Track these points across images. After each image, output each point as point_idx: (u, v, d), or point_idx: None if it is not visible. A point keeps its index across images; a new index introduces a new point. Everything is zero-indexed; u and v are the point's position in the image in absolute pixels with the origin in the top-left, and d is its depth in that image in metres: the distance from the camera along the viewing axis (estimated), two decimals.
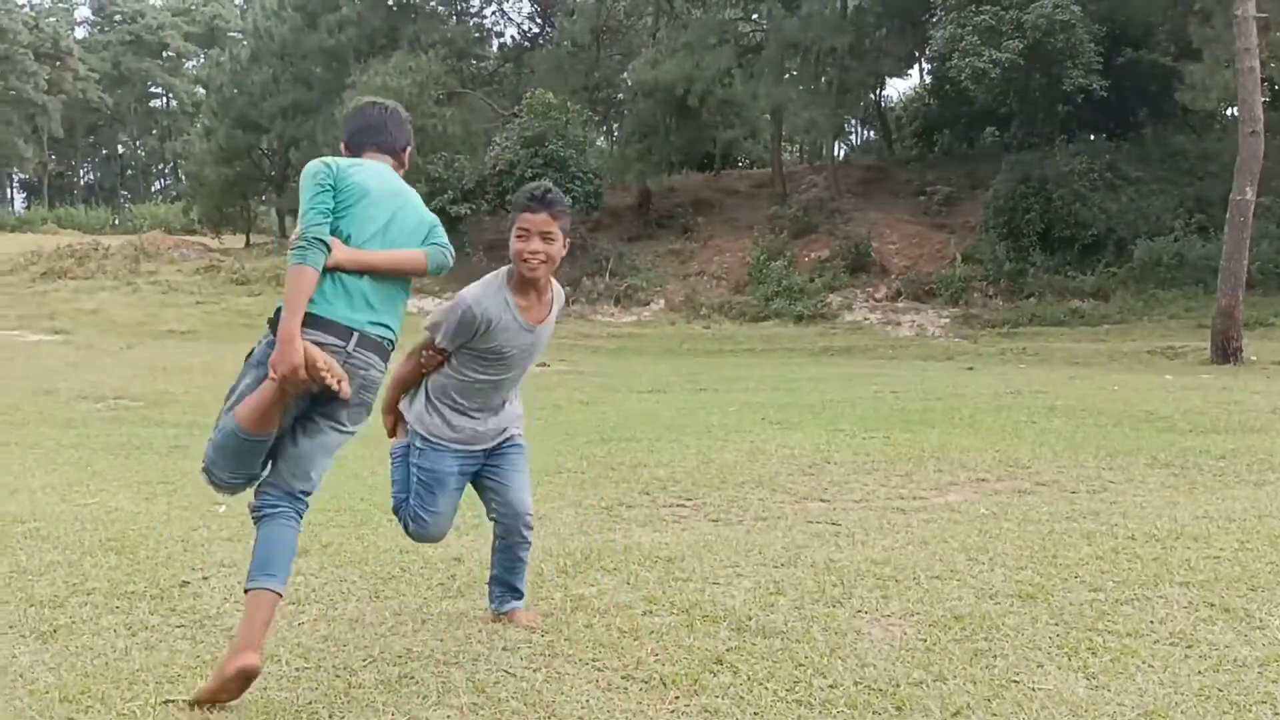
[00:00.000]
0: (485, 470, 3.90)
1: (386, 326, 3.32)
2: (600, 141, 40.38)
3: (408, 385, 3.87)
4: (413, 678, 3.32)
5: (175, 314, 26.29)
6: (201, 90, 65.52)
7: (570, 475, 7.21)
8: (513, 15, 44.49)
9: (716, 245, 31.26)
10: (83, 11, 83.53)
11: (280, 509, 3.31)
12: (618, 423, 10.45)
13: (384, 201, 3.35)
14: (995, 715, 3.07)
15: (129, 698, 3.14)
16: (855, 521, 5.62)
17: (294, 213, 40.35)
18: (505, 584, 3.98)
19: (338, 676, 3.33)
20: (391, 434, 3.95)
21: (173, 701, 3.11)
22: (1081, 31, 24.83)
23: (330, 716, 3.03)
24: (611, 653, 3.54)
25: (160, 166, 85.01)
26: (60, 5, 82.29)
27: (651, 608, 4.04)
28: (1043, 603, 4.09)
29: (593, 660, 3.48)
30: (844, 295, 27.34)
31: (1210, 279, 20.99)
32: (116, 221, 61.28)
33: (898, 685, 3.25)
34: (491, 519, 3.97)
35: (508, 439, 3.91)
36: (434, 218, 3.50)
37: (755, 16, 34.98)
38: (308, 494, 3.39)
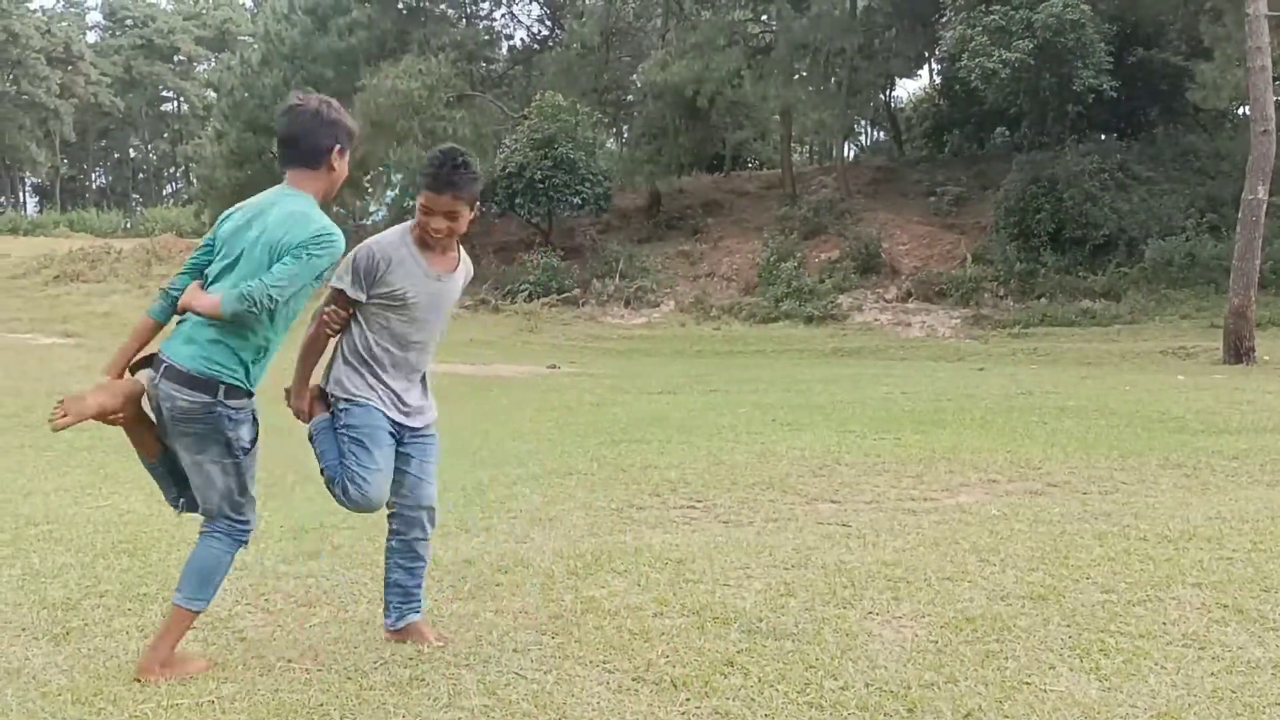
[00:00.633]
0: (399, 456, 3.70)
1: (208, 360, 3.28)
2: (610, 143, 40.39)
3: (314, 352, 3.69)
4: (424, 680, 3.32)
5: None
6: (212, 94, 65.78)
7: (580, 477, 7.21)
8: (522, 18, 44.43)
9: (726, 246, 31.23)
10: (94, 16, 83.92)
11: (205, 528, 3.49)
12: (628, 424, 10.45)
13: (231, 240, 3.39)
14: (1007, 717, 3.06)
15: (141, 700, 3.15)
16: (866, 523, 5.61)
17: None
18: (404, 590, 3.75)
19: (349, 679, 3.33)
20: (308, 416, 3.72)
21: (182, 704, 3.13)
22: (1092, 31, 24.73)
23: (342, 718, 3.04)
24: (622, 655, 3.54)
25: (171, 170, 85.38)
26: (72, 10, 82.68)
27: (662, 610, 4.04)
28: (1054, 604, 4.08)
29: (603, 662, 3.48)
30: (854, 296, 27.28)
31: (1222, 279, 20.89)
32: (128, 225, 61.47)
33: (909, 687, 3.25)
34: (392, 513, 3.76)
35: (426, 428, 3.79)
36: (301, 239, 3.25)
37: (764, 17, 34.96)
38: (226, 518, 3.42)
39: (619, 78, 38.19)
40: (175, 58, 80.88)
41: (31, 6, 73.19)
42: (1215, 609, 3.98)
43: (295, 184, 3.42)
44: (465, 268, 3.78)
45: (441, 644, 3.64)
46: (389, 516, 3.77)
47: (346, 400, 3.62)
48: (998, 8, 24.79)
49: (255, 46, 43.91)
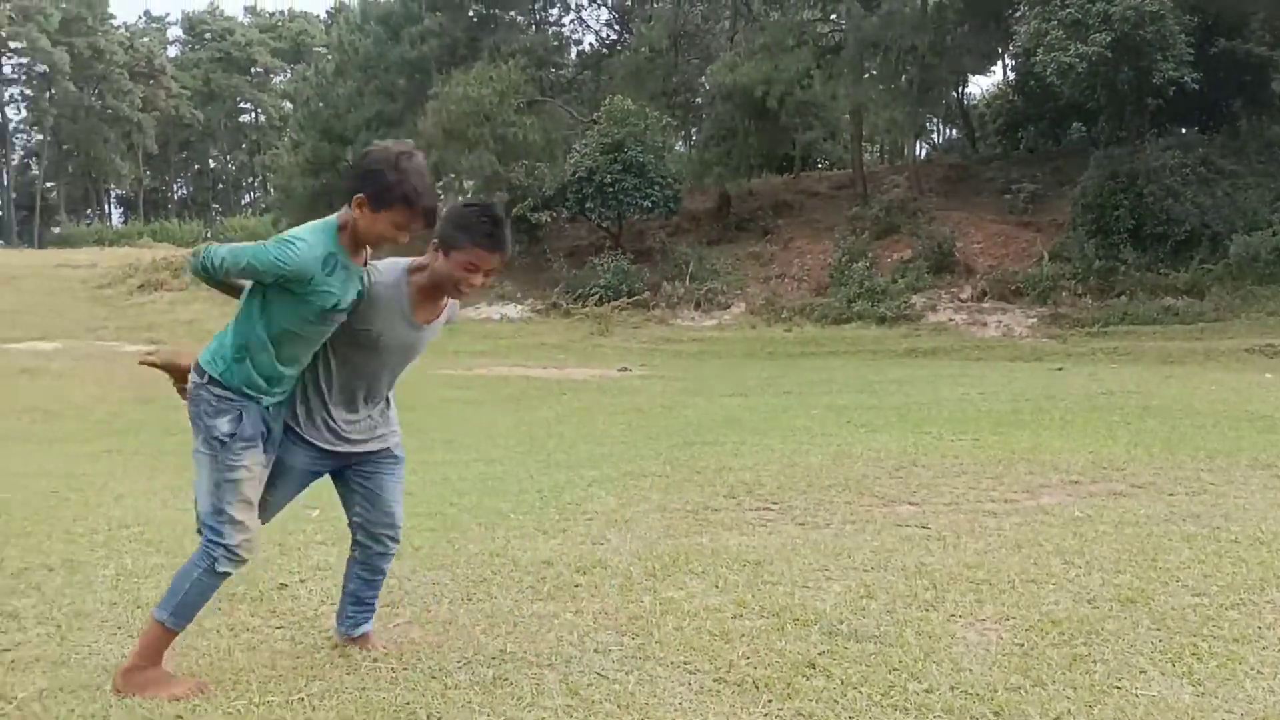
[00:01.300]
0: (355, 476, 3.63)
1: (208, 348, 3.37)
2: (679, 146, 40.40)
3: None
4: (507, 680, 3.35)
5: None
6: (288, 104, 67.22)
7: (654, 479, 7.22)
8: (591, 23, 44.77)
9: (797, 247, 31.07)
10: (174, 31, 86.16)
11: None
12: (701, 426, 10.44)
13: None
14: None
15: (234, 696, 3.23)
16: (946, 525, 5.54)
17: None
18: (360, 601, 3.72)
19: (433, 678, 3.38)
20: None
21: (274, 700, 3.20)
22: (1172, 22, 24.14)
23: (428, 717, 3.08)
24: (703, 656, 3.54)
25: (249, 180, 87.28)
26: (154, 25, 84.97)
27: (741, 611, 4.03)
28: (1143, 607, 3.99)
29: (684, 663, 3.49)
30: (928, 296, 26.96)
31: None
32: (209, 234, 62.96)
33: (995, 691, 3.20)
34: (354, 525, 3.70)
35: (386, 450, 3.67)
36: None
37: (834, 17, 34.70)
38: (207, 527, 3.38)
39: (688, 80, 38.20)
40: (252, 70, 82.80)
41: (115, 23, 75.34)
42: None
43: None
44: (449, 312, 3.67)
45: (385, 652, 3.60)
46: (353, 530, 3.72)
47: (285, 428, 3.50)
48: (1074, 1, 24.33)
49: (329, 57, 44.77)
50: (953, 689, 3.23)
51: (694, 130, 41.39)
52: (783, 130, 35.70)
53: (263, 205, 72.68)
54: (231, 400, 3.26)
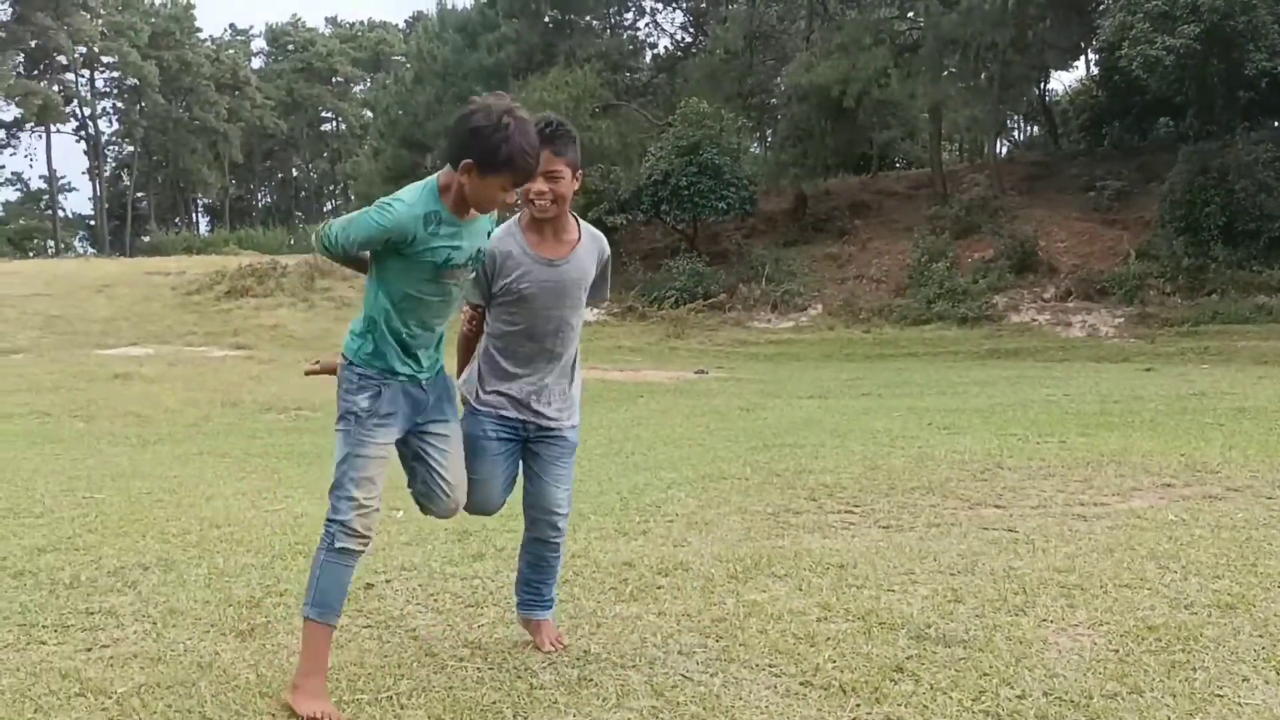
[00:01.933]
0: (527, 456, 3.68)
1: (350, 329, 3.41)
2: (754, 147, 40.30)
3: (466, 350, 3.75)
4: (592, 680, 3.36)
5: (348, 328, 27.35)
6: (368, 113, 68.39)
7: (734, 481, 7.18)
8: (665, 26, 44.86)
9: (875, 248, 30.77)
10: (258, 43, 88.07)
11: None
12: (779, 429, 10.37)
13: None
14: None
15: None
16: (1034, 528, 5.43)
17: None
18: (530, 585, 3.76)
19: (519, 677, 3.39)
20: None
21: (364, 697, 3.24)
22: (1264, 12, 23.43)
23: (514, 717, 3.09)
24: (788, 659, 3.51)
25: (331, 188, 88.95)
26: (238, 38, 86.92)
27: (826, 614, 3.99)
28: (1244, 613, 3.87)
29: (769, 666, 3.46)
30: (1010, 296, 26.52)
31: None
32: (292, 241, 64.10)
33: (1090, 697, 3.12)
34: (524, 505, 3.76)
35: (556, 430, 3.66)
36: None
37: (911, 14, 34.35)
38: (331, 501, 3.33)
39: (763, 81, 38.06)
40: (333, 79, 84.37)
41: (202, 36, 77.31)
42: None
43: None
44: (590, 246, 3.60)
45: (554, 650, 3.64)
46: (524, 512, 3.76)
47: (465, 404, 3.64)
48: None
49: (408, 66, 45.41)
50: (1046, 695, 3.15)
51: (769, 131, 41.24)
52: (860, 130, 35.42)
53: (344, 212, 73.93)
54: (371, 379, 3.27)
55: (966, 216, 29.85)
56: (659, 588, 4.43)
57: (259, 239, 62.52)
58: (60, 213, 74.49)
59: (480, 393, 3.60)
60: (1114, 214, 28.95)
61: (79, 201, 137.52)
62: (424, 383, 3.35)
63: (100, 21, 69.42)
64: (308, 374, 3.79)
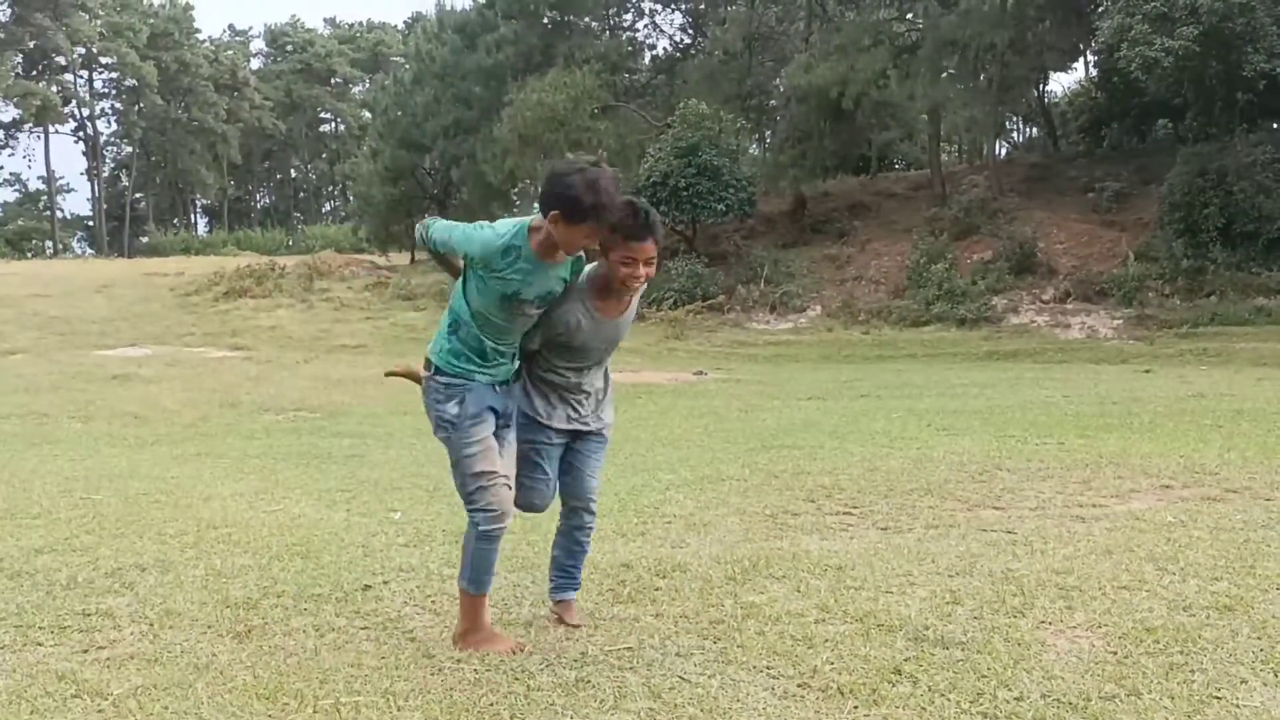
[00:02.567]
0: (566, 453, 4.04)
1: (432, 341, 3.80)
2: (753, 149, 40.27)
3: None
4: (589, 682, 3.35)
5: (347, 329, 27.36)
6: (367, 114, 68.32)
7: (733, 483, 7.18)
8: (664, 27, 44.77)
9: (874, 249, 30.75)
10: (257, 44, 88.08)
11: None
12: (778, 430, 10.37)
13: None
14: None
15: (322, 695, 3.27)
16: (1032, 530, 5.43)
17: None
18: (562, 568, 4.12)
19: (516, 679, 3.39)
20: None
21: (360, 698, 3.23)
22: (1262, 14, 23.42)
23: (512, 718, 3.09)
24: (786, 661, 3.50)
25: (330, 188, 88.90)
26: (237, 39, 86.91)
27: (824, 616, 3.98)
28: (1242, 615, 3.87)
29: (767, 668, 3.45)
30: (1009, 297, 26.50)
31: None
32: (291, 242, 64.26)
33: (1089, 699, 3.12)
34: (561, 496, 4.11)
35: (596, 431, 4.07)
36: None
37: (910, 15, 34.31)
38: (463, 500, 3.77)
39: (762, 82, 38.04)
40: (332, 80, 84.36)
41: (201, 37, 77.30)
42: None
43: None
44: (635, 297, 3.95)
45: (576, 626, 3.94)
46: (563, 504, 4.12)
47: (524, 414, 3.95)
48: None
49: (407, 66, 45.33)
50: (1044, 697, 3.15)
51: (768, 133, 41.21)
52: (859, 131, 35.40)
53: (343, 213, 74.02)
54: (455, 385, 3.65)
55: (965, 218, 29.83)
56: (657, 589, 4.43)
57: (257, 240, 62.59)
58: (59, 213, 74.51)
59: (533, 409, 3.94)
60: (1113, 215, 28.94)
61: (77, 202, 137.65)
62: (498, 387, 3.74)
63: (99, 22, 69.42)
64: (389, 375, 4.20)
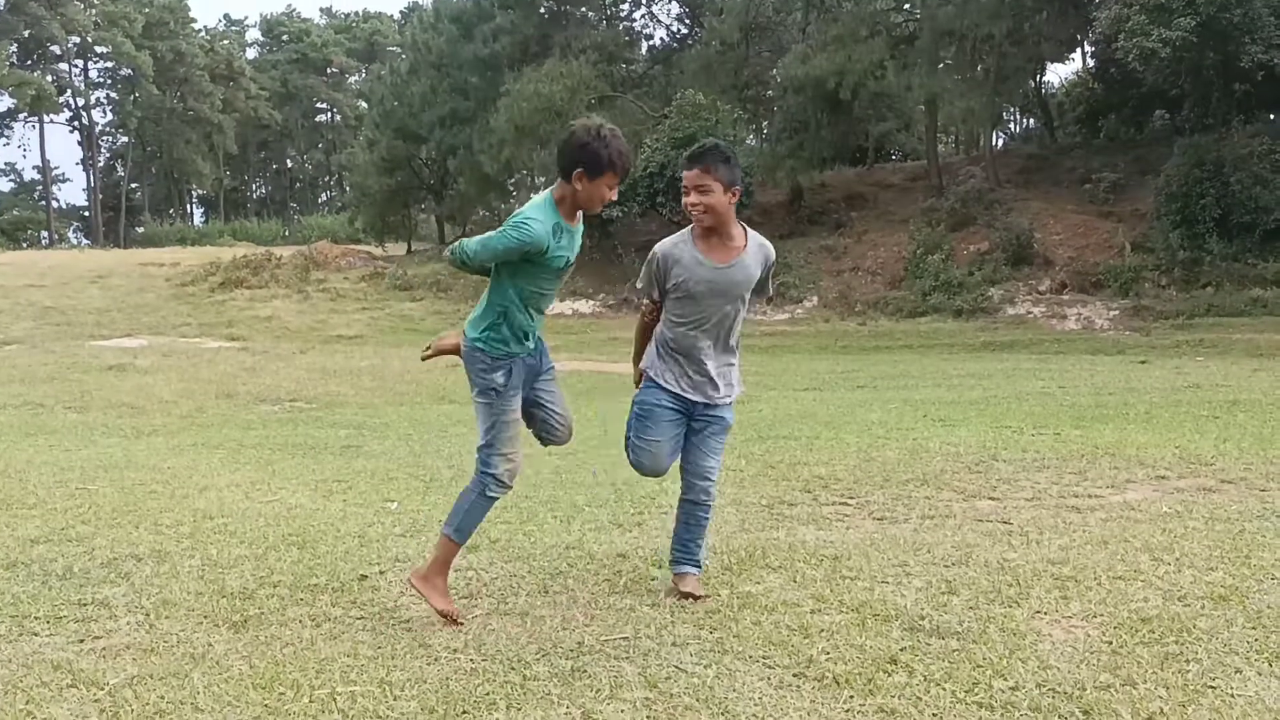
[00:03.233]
0: (689, 429, 4.23)
1: (470, 319, 4.05)
2: (750, 139, 40.19)
3: (641, 337, 4.38)
4: (585, 671, 3.35)
5: (343, 320, 27.35)
6: (363, 104, 68.16)
7: (729, 473, 7.17)
8: (661, 17, 44.67)
9: (871, 240, 30.76)
10: (253, 33, 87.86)
11: None
12: (774, 421, 10.37)
13: None
14: None
15: (318, 685, 3.26)
16: (1028, 520, 5.43)
17: (452, 219, 41.12)
18: (683, 543, 4.26)
19: (513, 669, 3.39)
20: (637, 384, 4.38)
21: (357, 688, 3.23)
22: (1260, 4, 23.42)
23: (508, 708, 3.09)
24: (782, 650, 3.51)
25: (326, 179, 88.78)
26: (233, 28, 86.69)
27: (820, 606, 3.98)
28: (1237, 605, 3.87)
29: (763, 657, 3.45)
30: (1005, 288, 26.53)
31: None
32: (287, 233, 64.20)
33: (1084, 689, 3.12)
34: (681, 470, 4.29)
35: (716, 408, 4.22)
36: (507, 220, 3.90)
37: (908, 6, 34.29)
38: (479, 459, 4.07)
39: (759, 73, 37.98)
40: (328, 70, 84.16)
41: (196, 27, 77.05)
42: None
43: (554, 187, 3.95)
44: (756, 253, 4.14)
45: (698, 598, 4.08)
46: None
47: (649, 379, 4.24)
48: None
49: (403, 56, 45.29)
50: (1039, 686, 3.15)
51: (765, 123, 41.16)
52: (856, 122, 35.36)
53: (339, 204, 73.89)
54: (500, 360, 3.95)
55: (962, 209, 29.85)
56: (653, 579, 4.44)
57: (253, 230, 62.52)
58: (54, 204, 74.43)
59: (659, 372, 4.20)
60: (1109, 207, 28.97)
61: (73, 192, 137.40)
62: (533, 353, 4.04)
63: (94, 11, 69.17)
64: (424, 359, 4.30)
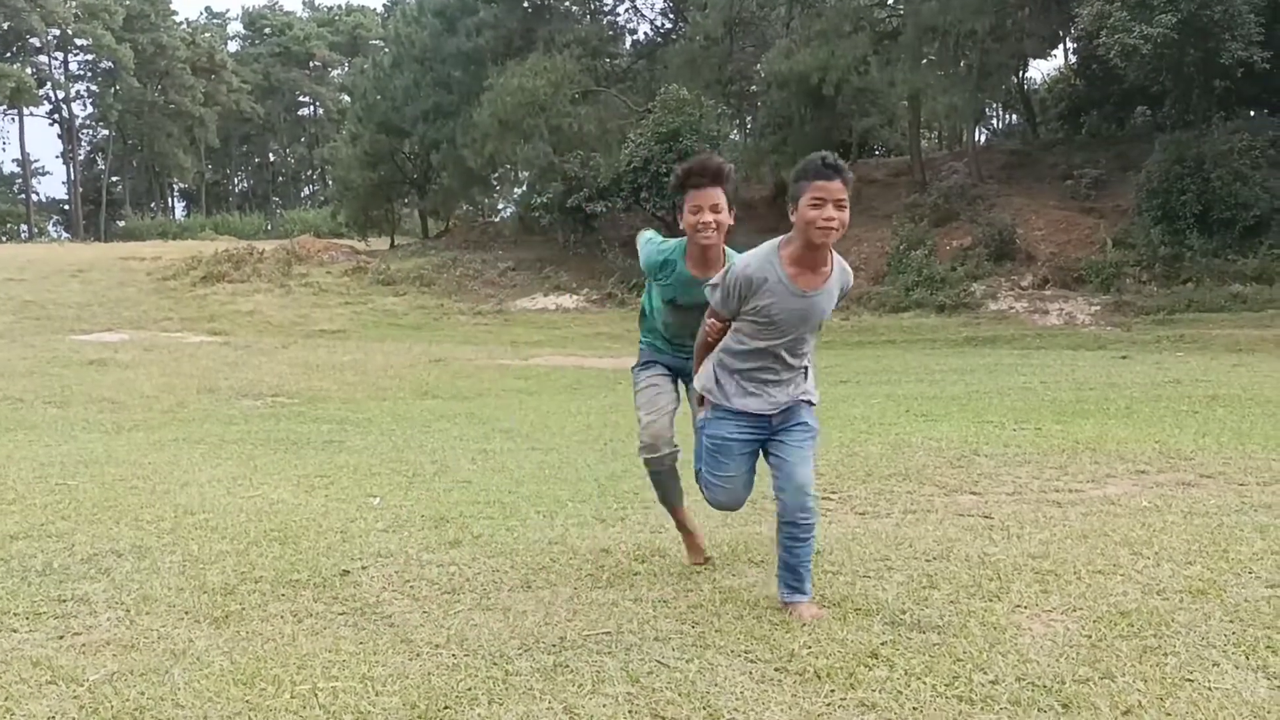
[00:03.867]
0: (771, 445, 3.94)
1: None
2: (734, 134, 40.22)
3: (702, 352, 4.08)
4: (568, 666, 3.35)
5: (325, 314, 27.25)
6: (346, 98, 67.92)
7: None
8: (645, 12, 44.73)
9: (854, 235, 30.74)
10: (235, 26, 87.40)
11: None
12: None
13: None
14: (1169, 715, 2.93)
15: (299, 680, 3.25)
16: (1009, 515, 5.46)
17: (435, 213, 40.95)
18: (787, 567, 3.89)
19: (495, 664, 3.38)
20: (699, 405, 4.15)
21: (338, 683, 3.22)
22: (1240, 2, 23.57)
23: (490, 703, 3.09)
24: (764, 645, 3.51)
25: (309, 173, 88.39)
26: (214, 21, 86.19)
27: None
28: (1215, 599, 3.90)
29: (745, 652, 3.46)
30: (988, 284, 26.64)
31: None
32: (269, 227, 63.91)
33: (1063, 682, 3.14)
34: (774, 491, 3.93)
35: (796, 418, 3.94)
36: None
37: (891, 2, 34.34)
38: None
39: (743, 68, 37.99)
40: (311, 64, 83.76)
41: (177, 19, 76.56)
42: None
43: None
44: (838, 278, 3.86)
45: (819, 619, 3.74)
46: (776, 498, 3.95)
47: (713, 406, 3.99)
48: None
49: (386, 50, 45.11)
50: (1019, 680, 3.17)
51: (749, 119, 41.20)
52: (839, 117, 35.41)
53: (322, 198, 73.56)
54: (644, 351, 4.60)
55: (945, 204, 29.96)
56: (636, 574, 4.44)
57: (235, 224, 62.20)
58: (34, 197, 73.87)
59: (725, 395, 3.93)
60: (1091, 202, 29.12)
61: (53, 185, 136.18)
62: (675, 356, 4.51)
63: (74, 3, 68.65)
64: None
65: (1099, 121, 35.47)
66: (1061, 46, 37.76)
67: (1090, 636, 3.53)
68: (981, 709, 2.99)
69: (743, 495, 4.02)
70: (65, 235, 69.25)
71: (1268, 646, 3.40)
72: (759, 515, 5.65)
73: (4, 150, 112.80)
